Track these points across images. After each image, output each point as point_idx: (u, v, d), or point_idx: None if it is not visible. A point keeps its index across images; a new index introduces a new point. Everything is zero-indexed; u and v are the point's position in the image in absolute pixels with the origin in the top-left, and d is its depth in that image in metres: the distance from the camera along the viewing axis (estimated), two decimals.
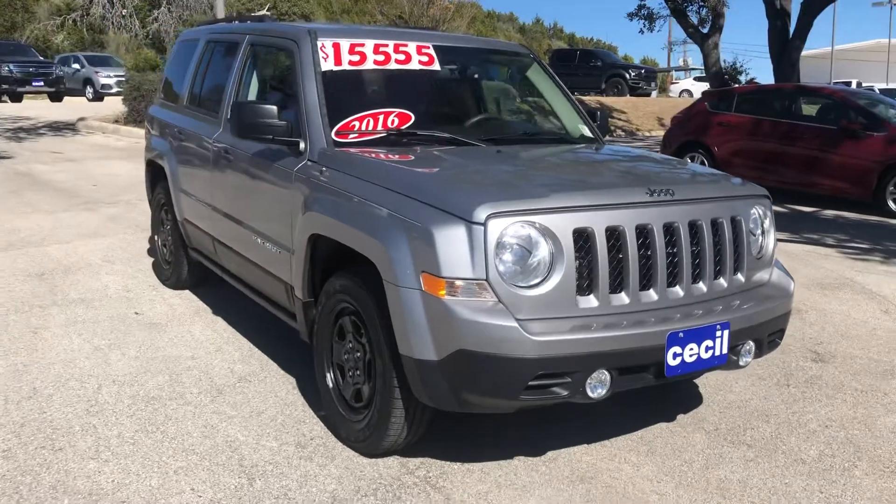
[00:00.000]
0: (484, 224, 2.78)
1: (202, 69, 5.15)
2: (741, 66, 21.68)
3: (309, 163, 3.66)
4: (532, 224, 2.86)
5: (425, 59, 4.08)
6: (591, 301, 2.94)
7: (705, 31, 16.42)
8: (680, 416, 3.86)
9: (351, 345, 3.38)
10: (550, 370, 2.81)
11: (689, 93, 37.16)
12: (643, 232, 3.03)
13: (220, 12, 16.72)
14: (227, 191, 4.43)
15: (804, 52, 17.42)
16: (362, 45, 4.00)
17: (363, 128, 3.76)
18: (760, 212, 3.54)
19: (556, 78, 4.71)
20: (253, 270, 4.23)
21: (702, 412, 3.92)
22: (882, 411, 4.00)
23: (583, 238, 2.91)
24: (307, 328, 3.73)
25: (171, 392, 3.94)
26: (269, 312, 4.87)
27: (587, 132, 4.45)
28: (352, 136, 3.72)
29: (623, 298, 2.99)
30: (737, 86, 15.64)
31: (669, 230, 3.09)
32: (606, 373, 2.89)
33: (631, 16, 18.35)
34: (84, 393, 3.90)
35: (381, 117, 3.80)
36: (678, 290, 3.12)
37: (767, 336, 3.38)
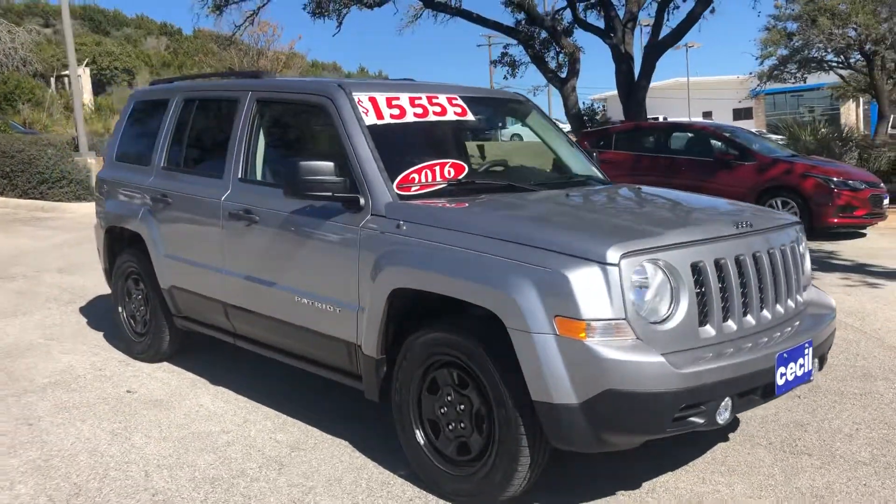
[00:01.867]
0: (618, 265, 2.88)
1: (184, 129, 4.90)
2: (599, 107, 23.07)
3: (373, 217, 3.60)
4: (656, 261, 2.99)
5: (459, 109, 4.13)
6: (709, 331, 3.09)
7: (563, 75, 17.45)
8: (731, 434, 4.07)
9: (450, 398, 3.33)
10: (694, 401, 2.93)
11: (520, 137, 39.01)
12: (738, 262, 3.23)
13: (73, 65, 15.79)
14: (252, 253, 4.23)
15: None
16: (397, 98, 4.00)
17: (422, 179, 3.75)
18: (798, 237, 3.86)
19: (554, 122, 4.90)
20: (293, 332, 4.05)
21: (747, 428, 4.15)
22: (890, 412, 4.41)
23: (696, 271, 3.07)
24: (377, 387, 3.63)
25: (229, 470, 3.68)
26: (275, 375, 4.73)
27: (598, 173, 4.65)
28: (414, 188, 3.70)
29: (731, 326, 3.17)
30: (614, 125, 16.78)
31: (755, 258, 3.32)
32: (729, 398, 3.05)
33: (495, 63, 19.24)
34: (134, 482, 3.56)
35: (438, 168, 3.81)
36: (767, 314, 3.34)
37: (828, 350, 3.68)
